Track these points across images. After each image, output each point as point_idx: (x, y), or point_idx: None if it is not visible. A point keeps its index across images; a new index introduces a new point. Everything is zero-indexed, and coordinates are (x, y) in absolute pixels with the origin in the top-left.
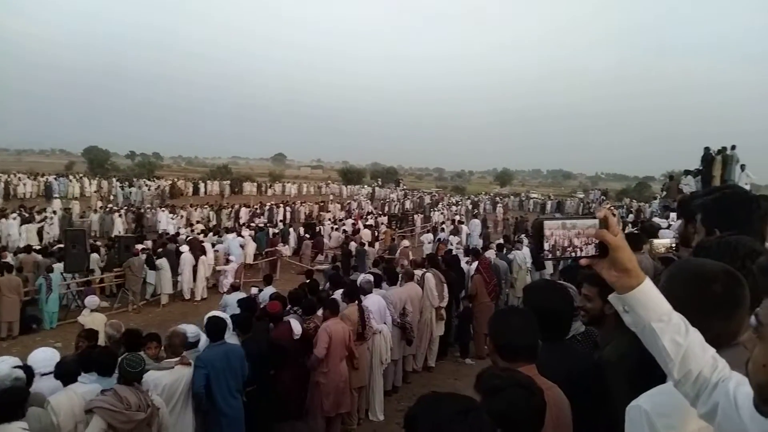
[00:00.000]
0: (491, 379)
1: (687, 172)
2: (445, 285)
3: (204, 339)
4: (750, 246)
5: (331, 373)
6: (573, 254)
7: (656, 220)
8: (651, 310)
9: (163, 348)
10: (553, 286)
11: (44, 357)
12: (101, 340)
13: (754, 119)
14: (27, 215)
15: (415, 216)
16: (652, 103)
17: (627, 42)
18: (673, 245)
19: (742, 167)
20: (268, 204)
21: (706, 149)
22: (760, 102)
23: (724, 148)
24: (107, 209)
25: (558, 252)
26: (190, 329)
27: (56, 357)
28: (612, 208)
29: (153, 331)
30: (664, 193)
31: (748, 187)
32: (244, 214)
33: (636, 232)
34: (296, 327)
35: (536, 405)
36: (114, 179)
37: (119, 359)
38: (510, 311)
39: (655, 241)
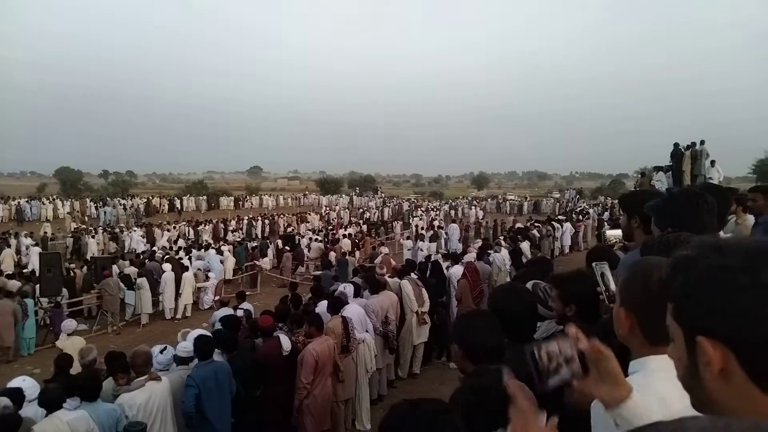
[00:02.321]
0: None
1: (657, 169)
2: (423, 289)
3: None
4: (687, 239)
5: (314, 394)
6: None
7: None
8: (645, 418)
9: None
10: (513, 288)
11: (26, 386)
12: (75, 366)
13: (725, 111)
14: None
15: (395, 223)
16: (623, 100)
17: (597, 38)
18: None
19: (712, 162)
20: (246, 218)
21: (676, 145)
22: (729, 94)
23: (693, 144)
24: (82, 230)
25: (552, 373)
26: (183, 344)
27: (36, 386)
28: (576, 330)
29: (119, 352)
30: (637, 189)
31: (716, 182)
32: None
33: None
34: (285, 343)
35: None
36: (88, 199)
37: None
38: (471, 314)
39: (608, 232)
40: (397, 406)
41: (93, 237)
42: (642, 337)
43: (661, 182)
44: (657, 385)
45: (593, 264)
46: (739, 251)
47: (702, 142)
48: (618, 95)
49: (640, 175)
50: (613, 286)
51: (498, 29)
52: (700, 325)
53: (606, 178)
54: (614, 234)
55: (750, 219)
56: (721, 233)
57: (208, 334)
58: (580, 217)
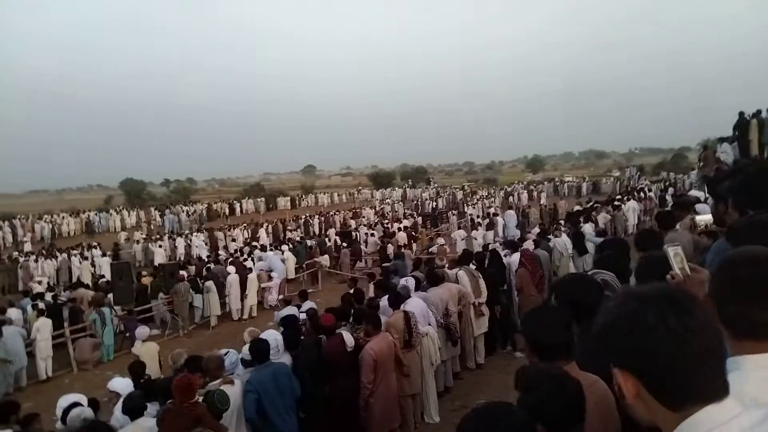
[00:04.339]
0: (526, 376)
1: (722, 140)
2: (480, 280)
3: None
4: None
5: (379, 391)
6: None
7: (694, 192)
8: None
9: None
10: (582, 278)
11: (123, 384)
12: (155, 371)
13: None
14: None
15: (449, 213)
16: (683, 66)
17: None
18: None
19: None
20: (303, 216)
21: (741, 114)
22: None
23: (759, 111)
24: (148, 239)
25: None
26: (242, 350)
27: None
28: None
29: (196, 354)
30: (702, 163)
31: None
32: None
33: (668, 210)
34: (348, 339)
35: (569, 399)
36: (152, 208)
37: (209, 392)
38: (540, 309)
39: (697, 217)
40: (477, 411)
41: (160, 246)
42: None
43: (727, 154)
44: (750, 387)
45: (665, 246)
46: (637, 299)
47: None
48: (677, 61)
49: (703, 149)
50: (686, 268)
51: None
52: (616, 360)
53: (668, 152)
54: (704, 219)
55: None
56: None
57: (276, 333)
58: (642, 195)
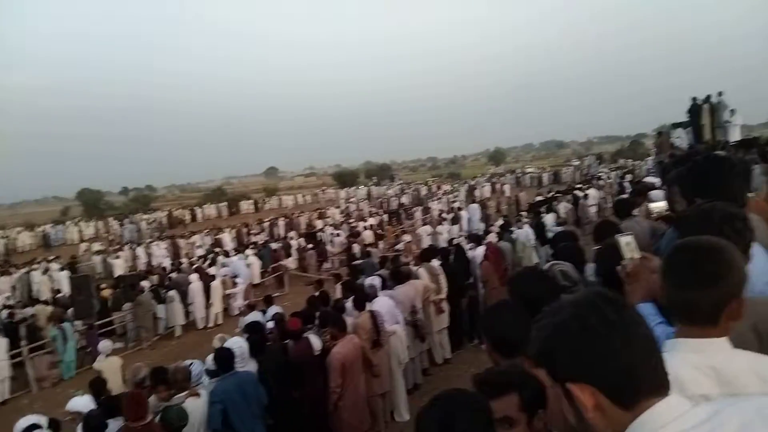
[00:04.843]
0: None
1: (676, 125)
2: (440, 276)
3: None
4: (725, 210)
5: (347, 394)
6: None
7: (650, 179)
8: None
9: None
10: (534, 272)
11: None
12: (118, 386)
13: (743, 58)
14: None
15: (414, 209)
16: (637, 57)
17: None
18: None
19: (732, 112)
20: (268, 219)
21: (693, 99)
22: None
23: (710, 96)
24: (107, 250)
25: None
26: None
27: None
28: None
29: (159, 366)
30: (657, 149)
31: (738, 131)
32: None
33: (624, 198)
34: (315, 343)
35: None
36: (110, 218)
37: (166, 408)
38: (498, 306)
39: (651, 205)
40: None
41: (118, 257)
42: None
43: (681, 139)
44: (677, 368)
45: (616, 236)
46: (571, 305)
47: (720, 94)
48: (630, 53)
49: (657, 135)
50: (636, 257)
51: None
52: (568, 374)
53: (625, 139)
54: (658, 206)
55: None
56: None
57: (241, 341)
58: (601, 183)
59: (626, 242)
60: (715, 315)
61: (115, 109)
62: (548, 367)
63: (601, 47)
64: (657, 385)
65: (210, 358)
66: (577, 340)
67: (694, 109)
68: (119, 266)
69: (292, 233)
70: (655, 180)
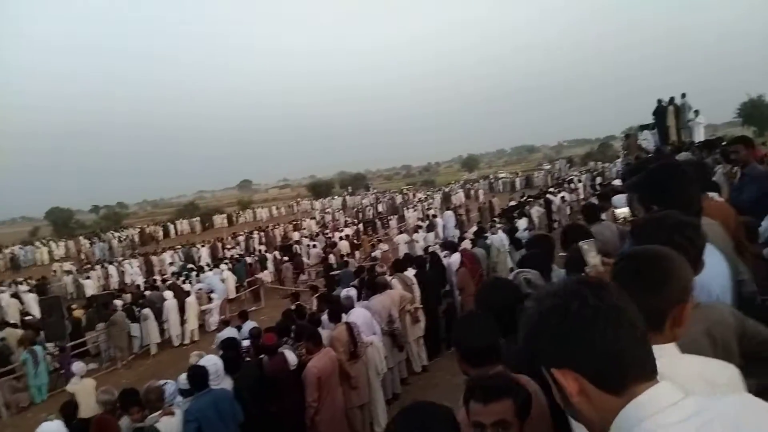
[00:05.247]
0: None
1: (643, 127)
2: (414, 286)
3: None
4: (676, 219)
5: (324, 408)
6: None
7: (618, 181)
8: None
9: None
10: (498, 282)
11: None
12: (93, 409)
13: (707, 59)
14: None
15: (389, 218)
16: (605, 62)
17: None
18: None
19: (696, 113)
20: (243, 233)
21: (658, 101)
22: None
23: (674, 98)
24: (79, 270)
25: None
26: (183, 377)
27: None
28: None
29: (130, 388)
30: (625, 151)
31: (702, 131)
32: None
33: (592, 203)
34: (291, 357)
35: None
36: (81, 237)
37: (138, 429)
38: (466, 317)
39: (617, 210)
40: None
41: (88, 277)
42: None
43: (648, 141)
44: None
45: (580, 243)
46: (553, 294)
47: (683, 95)
48: (599, 59)
49: (625, 137)
50: (599, 263)
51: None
52: (551, 361)
53: (594, 142)
54: (623, 211)
55: (736, 170)
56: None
57: (215, 358)
58: (572, 186)
59: (588, 248)
60: (660, 322)
61: (83, 123)
62: (534, 354)
63: (571, 55)
64: (645, 370)
65: (182, 377)
66: (559, 326)
67: (660, 111)
68: (90, 286)
69: (261, 247)
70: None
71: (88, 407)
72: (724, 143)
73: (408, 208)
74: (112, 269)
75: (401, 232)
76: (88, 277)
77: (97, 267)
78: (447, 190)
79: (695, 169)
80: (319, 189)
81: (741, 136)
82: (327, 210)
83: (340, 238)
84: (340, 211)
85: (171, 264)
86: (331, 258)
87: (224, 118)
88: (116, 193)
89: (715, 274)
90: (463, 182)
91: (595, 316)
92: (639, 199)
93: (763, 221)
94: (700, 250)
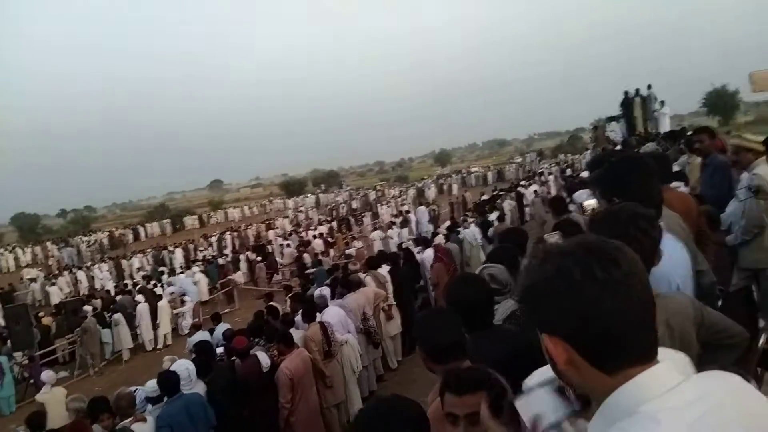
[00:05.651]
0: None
1: (610, 119)
2: (387, 284)
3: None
4: (632, 211)
5: (299, 409)
6: None
7: (585, 174)
8: None
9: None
10: (465, 278)
11: None
12: (64, 418)
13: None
14: None
15: (363, 215)
16: (572, 53)
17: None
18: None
19: (662, 104)
20: (215, 234)
21: (625, 93)
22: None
23: (639, 90)
24: (48, 276)
25: None
26: (150, 384)
27: None
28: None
29: (99, 396)
30: (594, 143)
31: (668, 121)
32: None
33: (560, 196)
34: (264, 359)
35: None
36: (48, 243)
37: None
38: (430, 314)
39: (584, 203)
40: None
41: (53, 284)
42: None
43: (615, 132)
44: None
45: (545, 236)
46: (559, 255)
47: (649, 87)
48: (567, 53)
49: (593, 129)
50: None
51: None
52: (543, 326)
53: (564, 135)
54: (590, 204)
55: (697, 160)
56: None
57: (187, 362)
58: (543, 179)
59: (553, 241)
60: None
61: (43, 123)
62: (529, 315)
63: (540, 48)
64: (643, 353)
65: (149, 384)
66: (557, 295)
67: (627, 103)
68: (55, 293)
69: (227, 251)
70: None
71: (59, 417)
72: (689, 133)
73: (382, 205)
74: (81, 274)
75: (375, 229)
76: (53, 284)
77: (66, 273)
78: (420, 185)
79: (657, 160)
80: (291, 187)
81: (704, 127)
82: (300, 208)
83: (314, 237)
84: (314, 210)
85: (139, 270)
86: (306, 257)
87: (194, 118)
88: (84, 197)
89: (675, 264)
90: (436, 177)
91: (597, 291)
92: (601, 192)
93: (726, 209)
94: (655, 241)
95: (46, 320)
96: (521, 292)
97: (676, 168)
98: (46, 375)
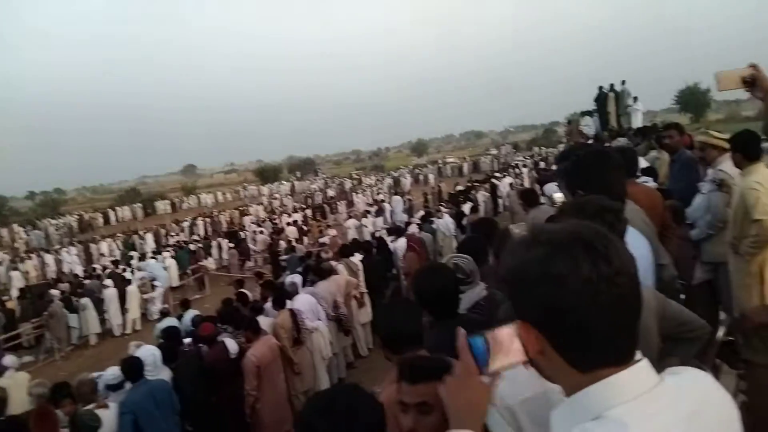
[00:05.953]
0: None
1: (585, 113)
2: (360, 273)
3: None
4: (597, 204)
5: (266, 396)
6: None
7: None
8: None
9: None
10: (432, 267)
11: None
12: (25, 403)
13: (646, 45)
14: None
15: (338, 203)
16: (548, 49)
17: None
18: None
19: (635, 99)
20: (187, 219)
21: (600, 88)
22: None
23: (613, 85)
24: (12, 259)
25: None
26: (111, 371)
27: None
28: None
29: (62, 381)
30: (567, 137)
31: (641, 117)
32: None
33: (531, 188)
34: (232, 346)
35: None
36: (15, 225)
37: (76, 415)
38: (390, 304)
39: (555, 195)
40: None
41: (15, 269)
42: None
43: (589, 127)
44: None
45: (511, 226)
46: (547, 242)
47: (623, 82)
48: (544, 48)
49: (568, 123)
50: None
51: None
52: (518, 310)
53: (539, 128)
54: (560, 197)
55: (666, 155)
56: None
57: (153, 348)
58: (517, 171)
59: (518, 232)
60: None
61: (16, 105)
62: (509, 296)
63: (516, 41)
64: (618, 357)
65: (109, 371)
66: (536, 283)
67: (601, 98)
68: (17, 277)
69: (198, 236)
70: None
71: (20, 402)
72: (660, 129)
73: (357, 193)
74: (48, 258)
75: (350, 217)
76: (16, 268)
77: (33, 256)
78: (396, 175)
79: (623, 154)
80: (266, 174)
81: (674, 123)
82: (275, 195)
83: (288, 224)
84: (289, 197)
85: (102, 255)
86: (280, 244)
87: (168, 102)
88: (53, 179)
89: (637, 257)
90: (412, 167)
91: (580, 286)
92: (566, 184)
93: (692, 203)
94: (620, 234)
95: (11, 304)
96: (504, 275)
97: (646, 163)
98: (8, 359)
